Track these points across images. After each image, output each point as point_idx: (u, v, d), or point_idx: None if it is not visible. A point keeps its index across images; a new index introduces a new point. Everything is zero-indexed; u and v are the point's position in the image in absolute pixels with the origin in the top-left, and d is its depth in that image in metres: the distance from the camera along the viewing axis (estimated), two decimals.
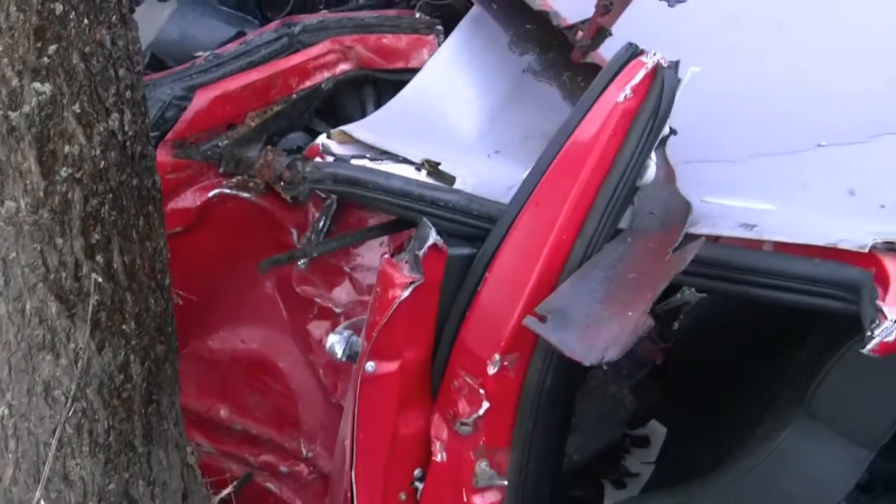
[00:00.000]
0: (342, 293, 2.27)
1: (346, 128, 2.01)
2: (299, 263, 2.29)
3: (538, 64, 1.99)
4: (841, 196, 1.62)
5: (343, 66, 2.30)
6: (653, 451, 2.39)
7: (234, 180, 2.27)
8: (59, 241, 1.50)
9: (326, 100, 2.33)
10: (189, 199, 2.25)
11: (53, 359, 1.60)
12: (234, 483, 2.43)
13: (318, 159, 1.99)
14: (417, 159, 1.89)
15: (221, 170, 2.25)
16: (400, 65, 2.30)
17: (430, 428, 1.80)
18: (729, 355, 2.11)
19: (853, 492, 1.73)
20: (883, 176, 1.66)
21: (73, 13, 1.36)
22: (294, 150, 2.27)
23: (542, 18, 1.96)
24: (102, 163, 1.48)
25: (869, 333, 1.37)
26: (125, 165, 1.54)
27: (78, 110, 1.40)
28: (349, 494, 1.86)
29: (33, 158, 1.41)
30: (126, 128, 1.51)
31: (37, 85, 1.35)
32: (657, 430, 2.41)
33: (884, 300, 1.39)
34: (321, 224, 2.26)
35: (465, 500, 1.79)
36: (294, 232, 2.31)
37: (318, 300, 2.29)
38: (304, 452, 2.37)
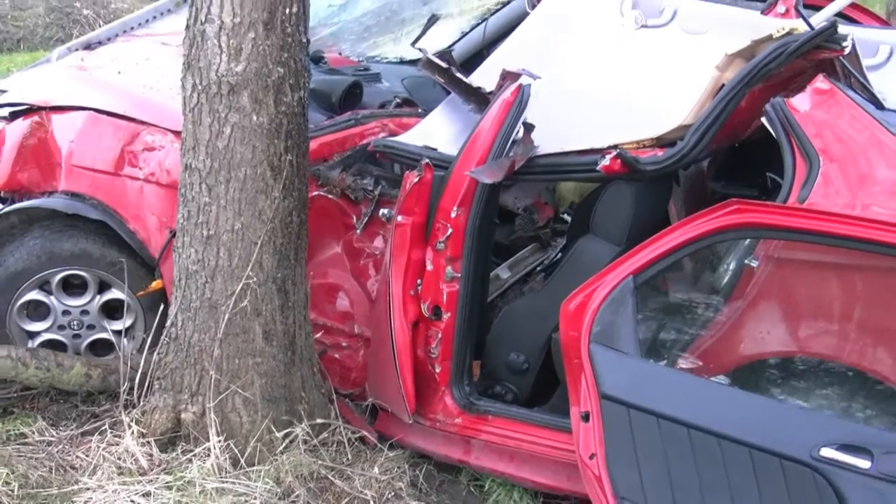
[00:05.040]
0: (379, 243, 4.33)
1: (387, 139, 4.19)
2: (357, 231, 4.36)
3: (476, 109, 4.19)
4: (589, 130, 3.75)
5: (383, 134, 4.48)
6: None
7: (324, 188, 4.30)
8: (276, 140, 3.59)
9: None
10: None
11: (265, 198, 3.62)
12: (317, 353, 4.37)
13: (374, 140, 4.16)
14: (421, 144, 4.05)
15: (319, 182, 4.34)
16: None
17: (426, 253, 3.84)
18: None
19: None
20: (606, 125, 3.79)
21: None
22: (355, 174, 4.38)
23: (476, 90, 4.20)
24: (295, 109, 3.64)
25: (597, 166, 3.50)
26: (300, 116, 3.68)
27: (292, 82, 3.58)
28: (388, 289, 3.85)
29: (286, 100, 3.56)
30: (304, 98, 3.69)
31: (279, 69, 3.54)
32: None
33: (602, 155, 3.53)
34: (367, 211, 4.35)
35: (440, 288, 3.80)
36: (354, 217, 4.37)
37: (366, 249, 4.35)
38: (357, 331, 4.31)
